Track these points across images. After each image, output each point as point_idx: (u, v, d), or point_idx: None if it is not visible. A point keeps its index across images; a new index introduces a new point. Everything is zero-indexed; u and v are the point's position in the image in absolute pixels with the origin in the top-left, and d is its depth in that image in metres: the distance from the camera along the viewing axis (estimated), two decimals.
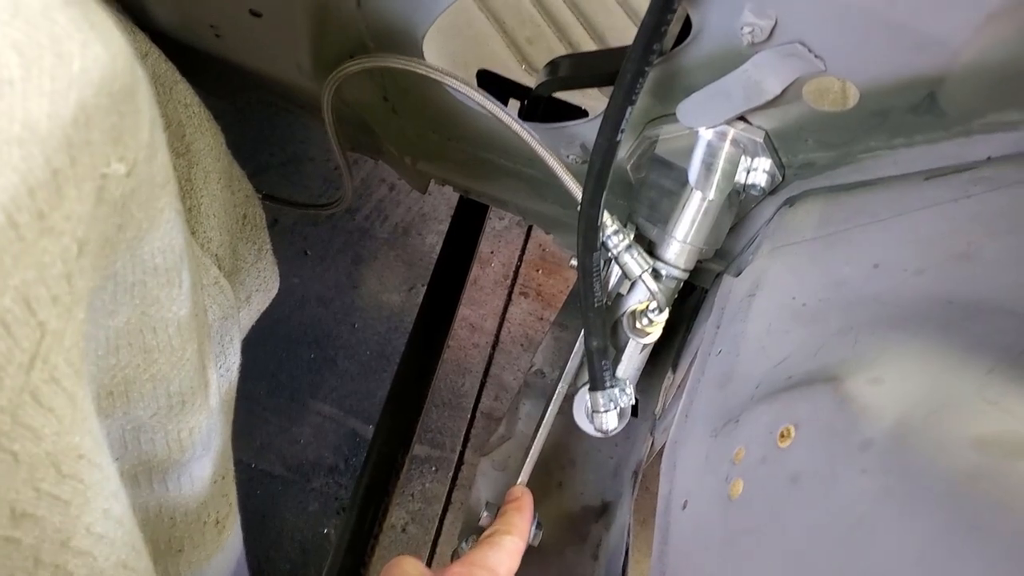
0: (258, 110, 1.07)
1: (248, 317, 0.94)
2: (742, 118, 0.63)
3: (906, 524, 0.43)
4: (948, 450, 0.44)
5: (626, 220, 0.70)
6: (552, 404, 0.71)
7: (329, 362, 1.55)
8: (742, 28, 0.55)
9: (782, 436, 0.53)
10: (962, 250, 0.56)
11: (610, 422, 0.68)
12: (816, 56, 0.56)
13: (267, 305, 0.96)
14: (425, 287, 1.57)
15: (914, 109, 0.58)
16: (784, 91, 0.59)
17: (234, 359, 0.86)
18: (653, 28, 0.52)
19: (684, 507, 0.59)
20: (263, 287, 0.93)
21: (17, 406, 0.33)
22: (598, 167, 0.58)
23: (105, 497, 0.44)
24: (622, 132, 0.57)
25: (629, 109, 0.56)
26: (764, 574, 0.51)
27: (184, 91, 0.75)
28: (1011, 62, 0.53)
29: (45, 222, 0.31)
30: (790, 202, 0.69)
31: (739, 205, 0.70)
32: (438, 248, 1.63)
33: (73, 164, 0.31)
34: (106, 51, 0.31)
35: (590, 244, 0.61)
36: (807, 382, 0.55)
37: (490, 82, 0.86)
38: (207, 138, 0.78)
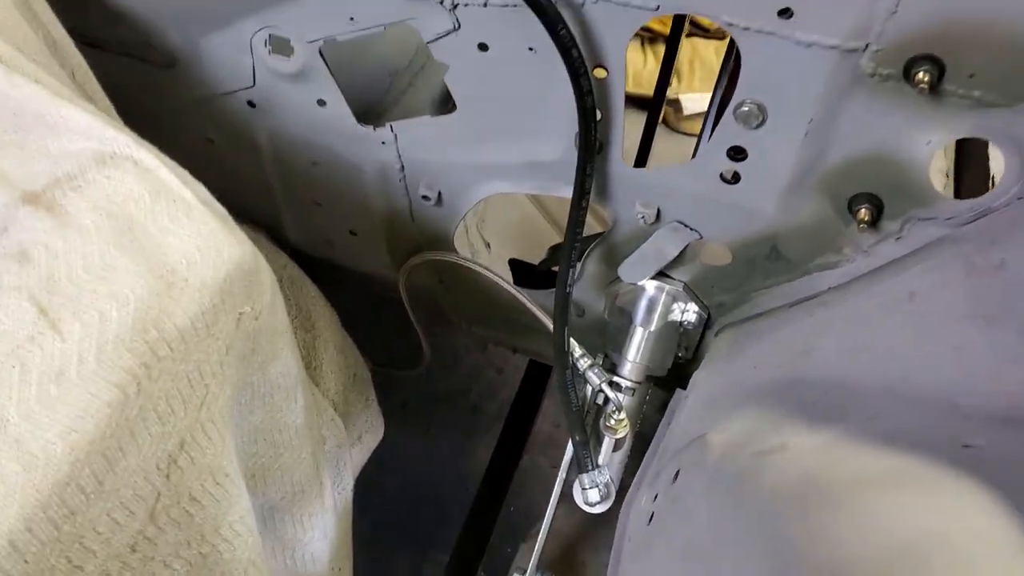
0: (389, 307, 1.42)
1: (361, 454, 1.26)
2: (665, 274, 0.92)
3: (710, 508, 0.68)
4: (737, 460, 0.68)
5: (598, 351, 0.99)
6: (556, 486, 0.97)
7: (446, 517, 1.83)
8: (636, 215, 0.85)
9: (675, 477, 0.78)
10: (803, 349, 0.81)
11: (593, 497, 0.93)
12: (692, 229, 0.85)
13: (375, 445, 1.27)
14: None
15: (768, 258, 0.85)
16: (681, 254, 0.88)
17: (348, 481, 1.17)
18: (574, 221, 0.83)
19: (629, 541, 0.83)
20: (371, 429, 1.26)
21: (194, 429, 0.66)
22: (559, 311, 0.88)
23: (241, 508, 0.74)
24: (571, 287, 0.87)
25: (572, 271, 0.86)
26: (660, 566, 0.74)
27: (310, 288, 1.12)
28: (815, 222, 0.80)
29: (210, 331, 0.64)
30: (717, 333, 0.96)
31: (685, 336, 0.97)
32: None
33: (223, 303, 0.65)
34: (240, 250, 0.66)
35: (563, 363, 0.90)
36: (694, 441, 0.80)
37: (519, 266, 1.18)
38: (326, 319, 1.14)
